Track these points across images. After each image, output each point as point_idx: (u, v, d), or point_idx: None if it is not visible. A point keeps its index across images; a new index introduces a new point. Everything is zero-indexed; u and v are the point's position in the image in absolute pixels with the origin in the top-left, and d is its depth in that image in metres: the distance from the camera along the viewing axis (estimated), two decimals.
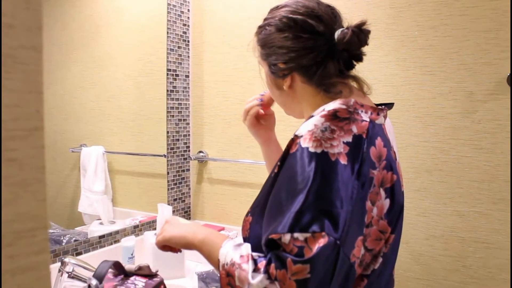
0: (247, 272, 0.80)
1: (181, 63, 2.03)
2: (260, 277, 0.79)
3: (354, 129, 0.83)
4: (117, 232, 1.76)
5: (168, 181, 2.00)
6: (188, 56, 2.07)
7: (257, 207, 0.93)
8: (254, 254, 0.84)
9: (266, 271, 0.79)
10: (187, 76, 2.07)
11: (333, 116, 0.83)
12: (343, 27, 0.93)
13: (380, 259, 0.90)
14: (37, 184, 0.46)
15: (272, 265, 0.78)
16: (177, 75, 2.01)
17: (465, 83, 1.55)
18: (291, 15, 0.93)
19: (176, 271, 1.71)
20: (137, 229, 1.86)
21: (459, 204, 1.59)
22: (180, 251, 1.02)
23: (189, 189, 2.12)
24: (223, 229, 1.94)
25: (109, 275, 1.12)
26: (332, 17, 0.94)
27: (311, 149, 0.80)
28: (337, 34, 0.91)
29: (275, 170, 0.88)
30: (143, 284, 1.07)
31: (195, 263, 1.79)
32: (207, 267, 1.66)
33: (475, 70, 1.53)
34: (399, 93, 1.65)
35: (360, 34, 0.90)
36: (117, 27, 1.83)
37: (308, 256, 0.75)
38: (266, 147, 1.19)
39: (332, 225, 0.77)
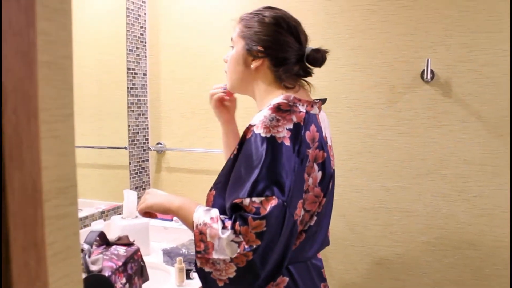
0: (217, 230, 1.03)
1: (139, 62, 2.21)
2: (228, 232, 1.02)
3: (294, 118, 1.08)
4: (86, 217, 1.93)
5: (130, 171, 2.18)
6: (146, 56, 2.25)
7: (219, 183, 1.16)
8: (221, 216, 1.07)
9: (233, 227, 1.02)
10: (145, 74, 2.25)
11: (277, 109, 1.08)
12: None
13: (315, 218, 1.17)
14: (71, 155, 0.66)
15: (237, 223, 1.02)
16: (136, 73, 2.19)
17: (388, 78, 1.84)
18: (286, 19, 1.17)
19: (142, 249, 1.90)
20: (103, 215, 2.03)
21: (385, 180, 1.88)
22: (157, 217, 1.23)
23: (149, 178, 2.31)
24: None
25: (93, 246, 1.30)
26: (305, 37, 1.21)
27: (263, 134, 1.05)
28: (309, 49, 1.17)
29: (235, 152, 1.11)
30: (124, 250, 1.27)
31: (159, 243, 1.99)
32: (171, 245, 1.87)
33: (395, 67, 1.83)
34: (334, 87, 1.92)
35: (323, 57, 1.18)
36: (78, 29, 1.98)
37: (263, 214, 1.00)
38: (226, 128, 1.41)
39: (280, 191, 1.02)
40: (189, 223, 1.11)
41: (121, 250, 1.27)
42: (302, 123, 1.09)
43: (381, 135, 1.87)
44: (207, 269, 1.07)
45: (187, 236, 1.90)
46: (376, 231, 1.91)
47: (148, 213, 1.22)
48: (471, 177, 1.76)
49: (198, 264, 1.08)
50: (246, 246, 1.00)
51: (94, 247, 1.30)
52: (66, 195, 0.63)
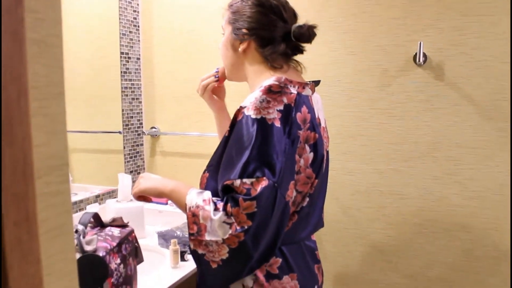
0: (209, 211, 1.05)
1: (132, 46, 2.20)
2: (219, 214, 1.03)
3: (285, 100, 1.09)
4: (81, 201, 1.94)
5: (124, 155, 2.19)
6: (139, 40, 2.24)
7: (211, 165, 1.17)
8: (214, 198, 1.08)
9: (224, 209, 1.04)
10: (138, 59, 2.25)
11: (268, 90, 1.09)
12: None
13: (307, 199, 1.18)
14: (62, 133, 0.66)
15: (229, 204, 1.03)
16: (129, 57, 2.18)
17: (381, 62, 1.85)
18: None
19: (137, 232, 1.91)
20: (98, 198, 2.04)
21: (378, 163, 1.90)
22: (152, 201, 1.25)
23: (143, 162, 2.32)
24: None
25: (88, 227, 1.31)
26: (293, 16, 1.21)
27: (253, 116, 1.06)
28: (294, 26, 1.17)
29: (226, 134, 1.13)
30: (118, 231, 1.28)
31: (153, 227, 2.00)
32: (166, 228, 1.88)
33: (388, 50, 1.83)
34: (327, 70, 1.92)
35: (310, 32, 1.17)
36: (70, 13, 1.97)
37: (254, 195, 1.01)
38: (219, 115, 1.42)
39: (270, 172, 1.03)
40: (182, 206, 1.13)
41: (115, 231, 1.28)
42: (293, 105, 1.09)
43: (374, 118, 1.88)
44: (200, 251, 1.09)
45: (182, 219, 1.92)
46: (369, 214, 1.93)
47: (142, 197, 1.24)
48: (463, 160, 1.78)
49: (192, 246, 1.10)
50: (238, 227, 1.02)
51: (88, 228, 1.31)
52: (58, 172, 0.64)
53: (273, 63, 1.18)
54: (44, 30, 0.62)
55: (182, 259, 1.62)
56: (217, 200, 1.08)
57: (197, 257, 1.10)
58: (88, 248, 1.12)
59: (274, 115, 1.06)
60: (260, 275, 1.13)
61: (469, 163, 1.77)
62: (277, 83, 1.10)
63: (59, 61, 0.65)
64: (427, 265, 1.87)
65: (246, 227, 1.01)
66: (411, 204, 1.87)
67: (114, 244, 1.21)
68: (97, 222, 1.31)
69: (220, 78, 1.35)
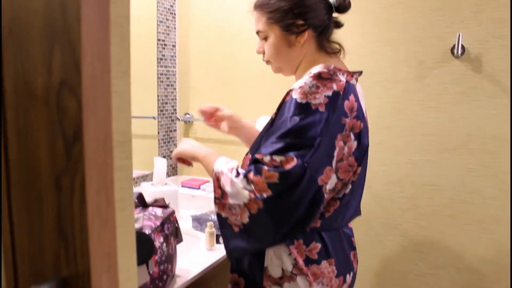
0: (232, 177, 1.10)
1: (168, 34, 2.24)
2: (240, 178, 1.09)
3: (334, 87, 1.10)
4: None
5: (158, 140, 2.23)
6: (175, 28, 2.28)
7: (254, 146, 1.20)
8: (239, 169, 1.13)
9: (245, 175, 1.09)
10: (174, 46, 2.28)
11: (318, 77, 1.10)
12: None
13: (350, 186, 1.19)
14: (127, 110, 0.69)
15: (251, 172, 1.08)
16: (165, 44, 2.22)
17: (417, 53, 1.85)
18: None
19: None
20: (133, 182, 2.08)
21: (412, 154, 1.90)
22: (191, 165, 1.34)
23: (176, 147, 2.35)
24: (208, 181, 2.19)
25: None
26: None
27: (298, 100, 1.08)
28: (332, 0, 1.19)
29: (273, 117, 1.15)
30: (161, 212, 1.32)
31: (187, 211, 2.05)
32: (199, 212, 1.92)
33: (425, 42, 1.83)
34: (363, 61, 1.93)
35: (348, 2, 1.22)
36: None
37: (279, 169, 1.04)
38: (234, 133, 1.52)
39: (303, 153, 1.05)
40: (209, 170, 1.20)
41: (158, 211, 1.32)
42: (341, 92, 1.10)
43: (410, 109, 1.88)
44: (224, 214, 1.15)
45: None
46: (401, 204, 1.94)
47: (181, 159, 1.33)
48: (499, 152, 1.77)
49: (217, 209, 1.16)
50: (258, 195, 1.05)
51: None
52: (122, 148, 0.67)
53: (327, 49, 1.21)
54: (115, 11, 0.65)
55: (217, 241, 1.66)
56: (242, 170, 1.13)
57: (221, 220, 1.16)
58: (135, 225, 1.16)
59: (320, 100, 1.07)
60: (300, 260, 1.16)
61: (505, 156, 1.76)
62: (326, 70, 1.12)
63: (127, 41, 0.67)
64: (458, 256, 1.87)
65: (265, 196, 1.05)
66: (444, 195, 1.87)
67: (158, 223, 1.25)
68: (140, 202, 1.35)
69: (205, 118, 1.48)
